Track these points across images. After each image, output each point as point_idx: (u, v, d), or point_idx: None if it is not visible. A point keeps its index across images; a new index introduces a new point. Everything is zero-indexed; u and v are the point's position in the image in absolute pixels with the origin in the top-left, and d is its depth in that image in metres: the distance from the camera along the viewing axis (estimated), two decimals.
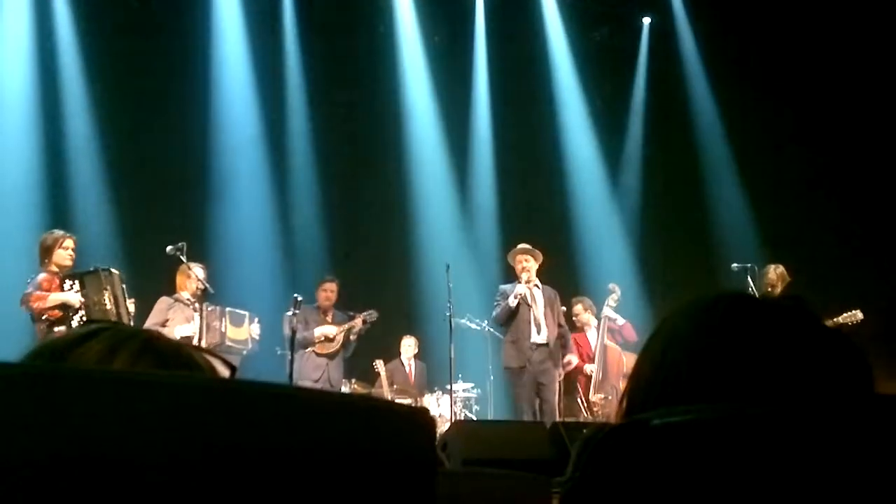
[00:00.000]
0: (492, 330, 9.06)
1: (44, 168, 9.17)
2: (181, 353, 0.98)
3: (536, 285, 7.81)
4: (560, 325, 7.88)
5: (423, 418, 0.68)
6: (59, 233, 6.47)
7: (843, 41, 9.76)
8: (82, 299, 6.17)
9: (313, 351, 8.21)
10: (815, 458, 0.79)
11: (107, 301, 6.22)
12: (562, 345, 7.88)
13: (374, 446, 0.66)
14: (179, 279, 7.31)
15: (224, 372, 1.06)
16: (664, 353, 0.99)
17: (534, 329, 7.63)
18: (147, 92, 9.50)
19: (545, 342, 7.63)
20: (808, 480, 0.77)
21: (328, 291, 8.36)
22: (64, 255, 6.32)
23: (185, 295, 7.30)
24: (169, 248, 6.91)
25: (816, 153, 10.01)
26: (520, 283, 7.74)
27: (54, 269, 6.29)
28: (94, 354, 0.92)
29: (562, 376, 7.95)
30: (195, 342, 6.93)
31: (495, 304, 7.85)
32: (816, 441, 0.79)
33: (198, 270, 7.21)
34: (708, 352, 0.94)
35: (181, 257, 6.94)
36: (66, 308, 6.14)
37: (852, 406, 0.86)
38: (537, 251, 7.90)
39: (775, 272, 7.62)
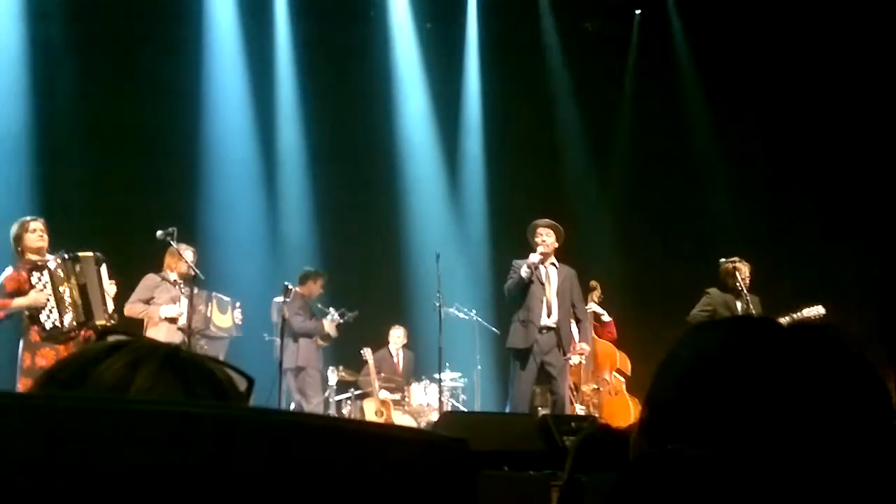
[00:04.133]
0: (480, 319, 9.08)
1: (30, 148, 9.11)
2: (203, 367, 0.97)
3: (553, 264, 7.33)
4: (575, 307, 7.46)
5: (461, 450, 0.67)
6: (24, 218, 6.21)
7: (835, 32, 9.78)
8: (49, 294, 5.96)
9: (316, 341, 8.25)
10: (845, 489, 0.78)
11: (69, 293, 6.02)
12: (580, 329, 7.52)
13: (411, 479, 0.65)
14: (168, 259, 7.29)
15: (242, 384, 1.05)
16: (689, 374, 0.98)
17: (544, 310, 7.17)
18: (137, 74, 9.44)
19: (554, 325, 7.17)
20: None
21: (322, 284, 8.43)
22: (33, 237, 6.07)
23: (171, 275, 7.27)
24: (159, 232, 6.86)
25: (808, 146, 10.05)
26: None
27: (30, 257, 6.06)
28: (113, 373, 0.90)
29: (576, 362, 7.72)
30: (181, 324, 6.94)
31: (509, 277, 7.34)
32: (847, 473, 0.79)
33: (187, 254, 7.18)
34: (736, 376, 0.93)
35: (171, 242, 6.90)
36: (34, 308, 5.95)
37: (880, 437, 0.86)
38: (558, 226, 7.38)
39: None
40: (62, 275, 6.03)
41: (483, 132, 10.93)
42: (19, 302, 5.90)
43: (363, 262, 10.06)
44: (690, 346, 1.03)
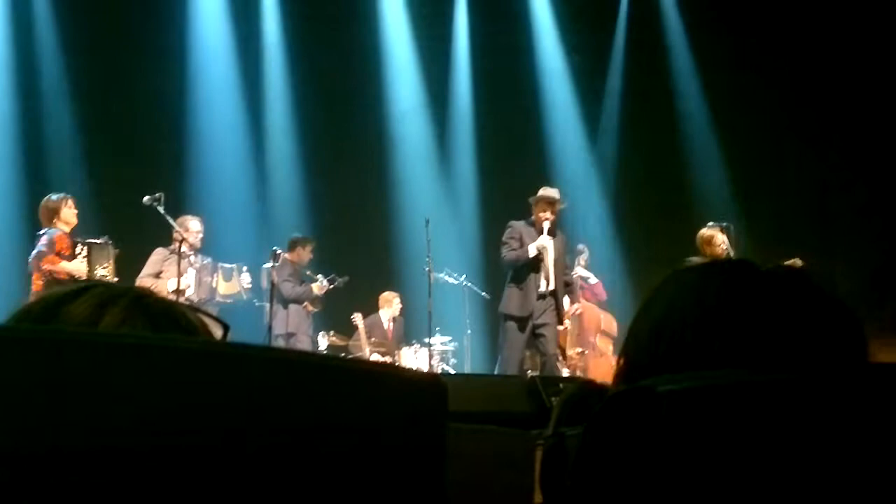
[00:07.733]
0: (470, 284, 9.10)
1: (17, 119, 9.06)
2: (173, 311, 0.97)
3: (552, 233, 7.29)
4: (565, 273, 7.58)
5: (434, 385, 0.66)
6: (60, 194, 6.72)
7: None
8: (86, 269, 6.44)
9: (306, 307, 8.24)
10: (821, 425, 0.79)
11: (108, 274, 6.51)
12: (568, 292, 7.65)
13: (382, 413, 0.65)
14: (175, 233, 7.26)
15: (217, 331, 1.05)
16: (665, 318, 0.98)
17: (542, 280, 7.20)
18: (122, 41, 9.34)
19: (550, 291, 7.22)
20: (815, 448, 0.77)
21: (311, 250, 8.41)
22: (70, 213, 6.61)
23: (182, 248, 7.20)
24: (146, 198, 6.86)
25: (796, 111, 10.03)
26: (535, 227, 7.24)
27: (65, 227, 6.54)
28: (83, 310, 0.91)
29: (568, 325, 7.78)
30: (188, 295, 6.98)
31: (505, 242, 7.30)
32: (823, 409, 0.79)
33: (194, 223, 7.25)
34: (711, 318, 0.93)
35: (158, 208, 6.88)
36: (75, 276, 6.34)
37: (855, 374, 0.86)
38: (560, 199, 7.40)
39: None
40: (106, 255, 6.59)
41: (472, 96, 10.87)
42: (65, 266, 6.36)
43: (352, 228, 10.04)
44: (665, 292, 1.03)
